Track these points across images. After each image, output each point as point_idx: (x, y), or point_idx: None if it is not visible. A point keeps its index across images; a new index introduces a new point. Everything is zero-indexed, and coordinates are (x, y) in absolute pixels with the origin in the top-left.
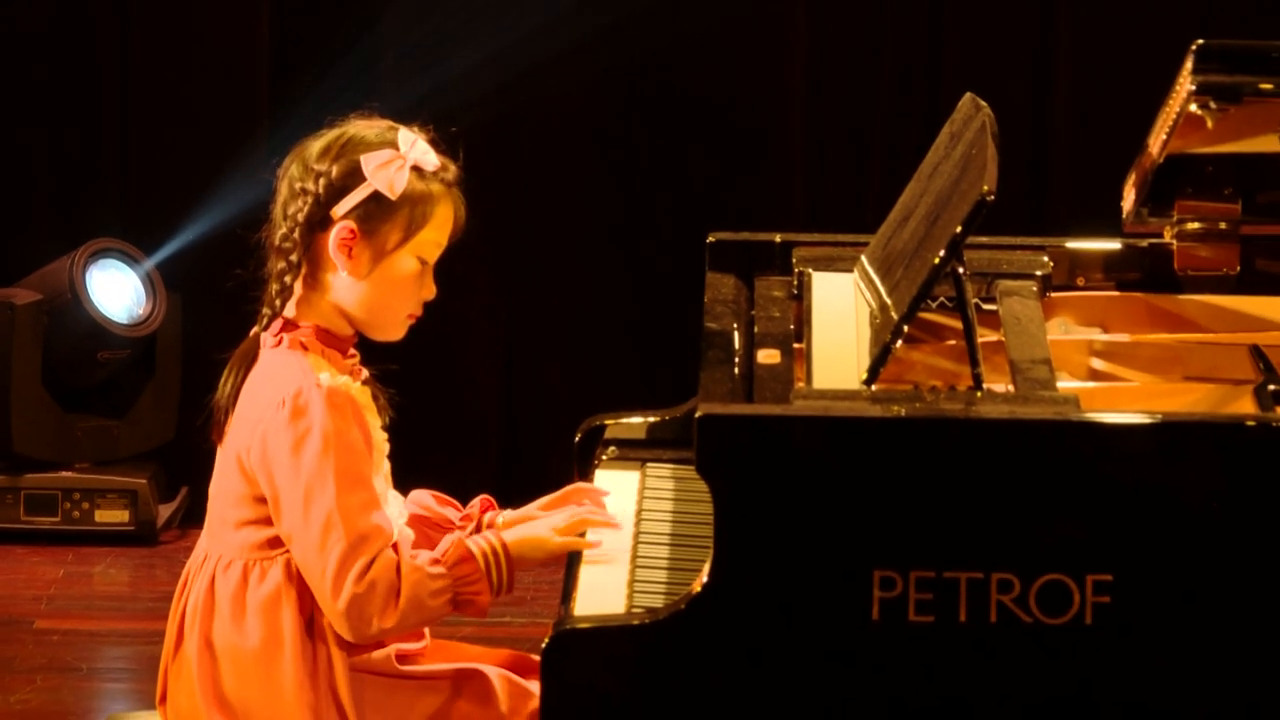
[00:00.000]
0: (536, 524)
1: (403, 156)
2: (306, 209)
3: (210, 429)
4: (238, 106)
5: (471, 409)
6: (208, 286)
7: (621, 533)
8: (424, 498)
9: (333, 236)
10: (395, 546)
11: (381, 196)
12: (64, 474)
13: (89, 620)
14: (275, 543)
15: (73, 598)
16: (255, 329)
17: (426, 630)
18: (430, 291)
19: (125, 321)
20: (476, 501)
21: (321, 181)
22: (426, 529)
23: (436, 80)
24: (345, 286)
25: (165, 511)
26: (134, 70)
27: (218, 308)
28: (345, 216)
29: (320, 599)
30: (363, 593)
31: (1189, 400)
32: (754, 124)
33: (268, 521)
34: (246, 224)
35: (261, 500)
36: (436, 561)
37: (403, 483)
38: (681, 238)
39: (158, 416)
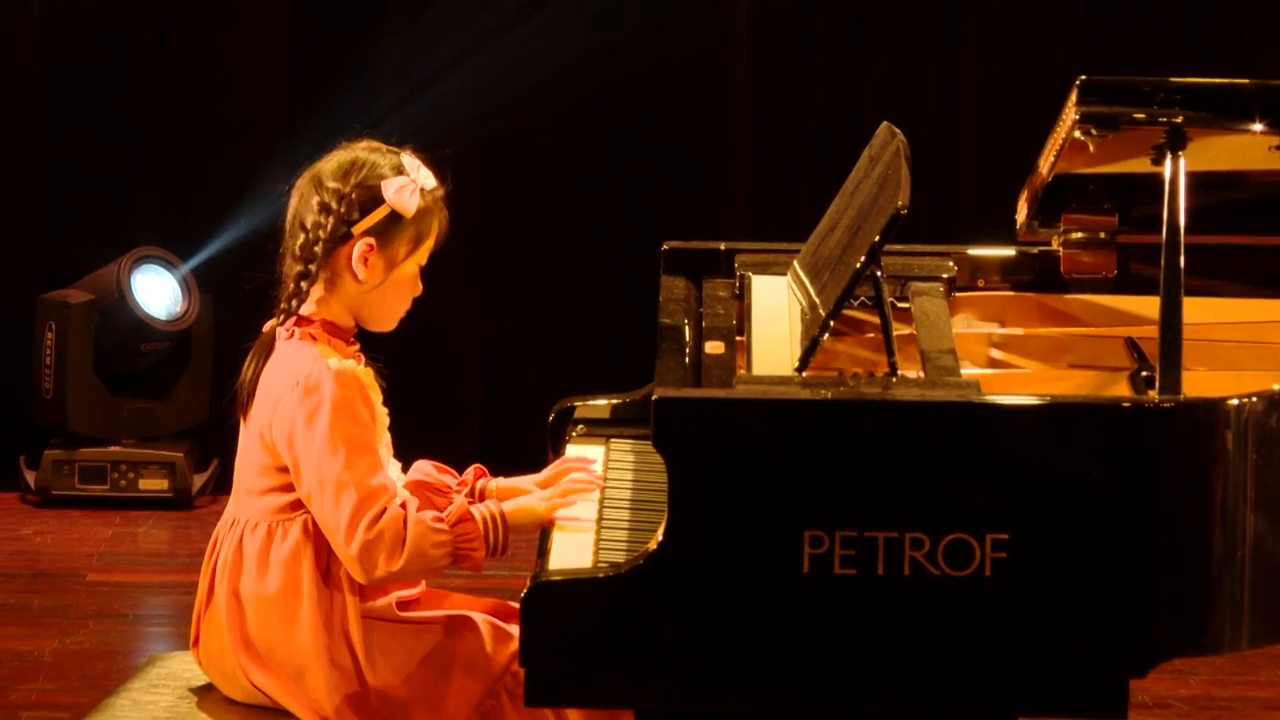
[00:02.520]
0: (530, 496)
1: (414, 181)
2: (330, 225)
3: (235, 409)
4: (261, 133)
5: (458, 392)
6: (235, 288)
7: (589, 499)
8: (425, 466)
9: (355, 251)
10: (404, 504)
11: (397, 215)
12: (112, 448)
13: (134, 574)
14: (294, 506)
15: (120, 554)
16: (271, 323)
17: (422, 581)
18: (419, 289)
19: (164, 318)
20: (471, 470)
21: (344, 203)
22: (428, 493)
23: (431, 107)
24: (359, 291)
25: (199, 480)
26: (172, 101)
27: (244, 306)
28: (365, 233)
29: (335, 547)
30: (372, 539)
31: (1074, 384)
32: (702, 148)
33: (287, 488)
34: (268, 234)
35: (282, 470)
36: (440, 519)
37: (401, 456)
38: (640, 245)
39: (193, 399)
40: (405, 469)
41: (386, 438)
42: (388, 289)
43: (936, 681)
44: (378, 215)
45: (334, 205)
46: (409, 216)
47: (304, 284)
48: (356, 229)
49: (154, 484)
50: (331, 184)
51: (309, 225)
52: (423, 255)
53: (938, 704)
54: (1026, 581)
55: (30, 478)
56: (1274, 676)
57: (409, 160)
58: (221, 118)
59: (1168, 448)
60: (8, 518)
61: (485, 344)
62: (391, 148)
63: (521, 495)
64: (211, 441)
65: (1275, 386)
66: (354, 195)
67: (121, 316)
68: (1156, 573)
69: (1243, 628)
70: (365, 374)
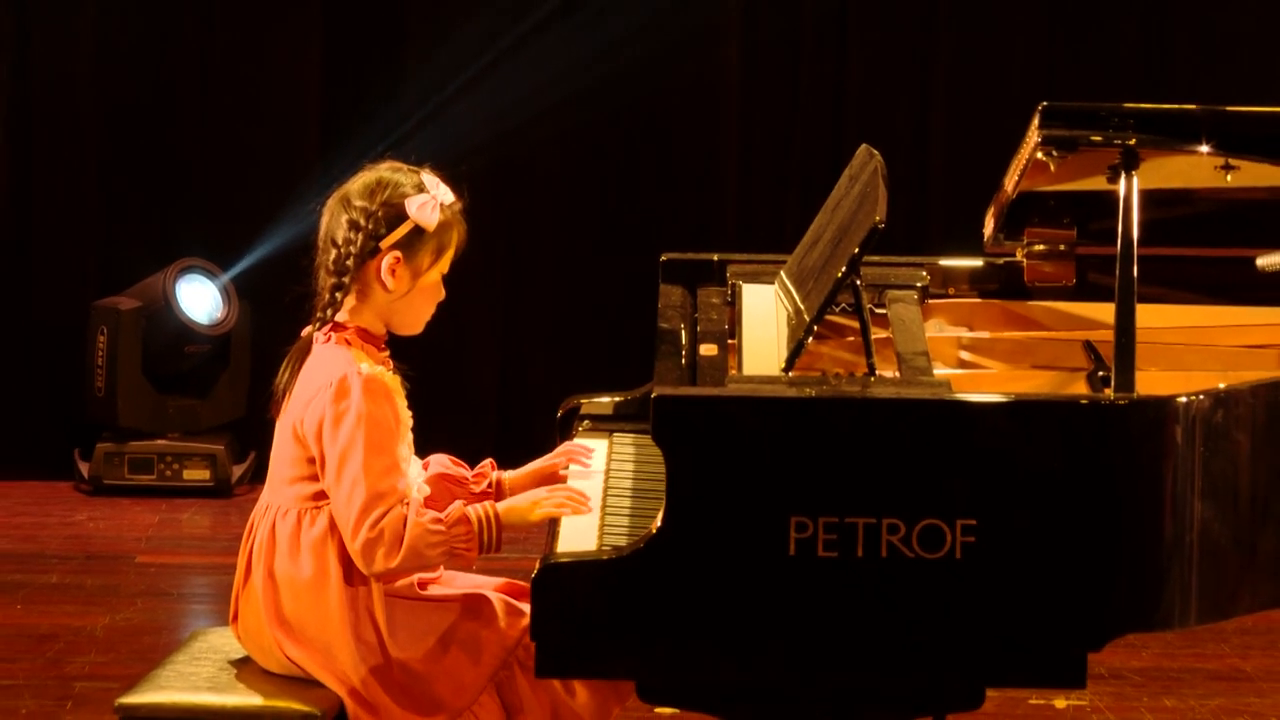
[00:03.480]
0: (522, 498)
1: (434, 197)
2: (359, 241)
3: (270, 406)
4: (294, 155)
5: (474, 391)
6: (272, 296)
7: (593, 488)
8: (444, 459)
9: (384, 264)
10: (408, 504)
11: (420, 229)
12: (159, 442)
13: (178, 556)
14: (322, 495)
15: (166, 538)
16: (308, 329)
17: (440, 567)
18: (443, 295)
19: (206, 323)
20: (485, 464)
21: (372, 220)
22: (446, 484)
23: (450, 130)
24: (389, 300)
25: (238, 470)
26: (212, 127)
27: (279, 313)
28: (392, 246)
29: (344, 538)
30: (374, 537)
31: (1036, 383)
32: (697, 168)
33: (315, 478)
34: (300, 248)
35: (311, 461)
36: (439, 520)
37: (422, 449)
38: (640, 256)
39: (232, 397)
40: (424, 462)
41: (408, 438)
42: (414, 296)
43: (911, 654)
44: (402, 230)
45: (362, 222)
46: (431, 230)
47: (338, 295)
48: (384, 244)
49: (196, 474)
50: (359, 203)
51: (340, 241)
52: (445, 264)
53: (912, 675)
54: (993, 563)
55: (84, 468)
56: (1219, 650)
57: (429, 178)
58: (258, 142)
59: (1122, 441)
60: (63, 505)
61: (499, 346)
62: (412, 167)
63: (527, 486)
64: (249, 435)
65: (1220, 385)
66: (380, 213)
67: (167, 322)
68: (1112, 555)
69: (1190, 606)
70: (393, 380)
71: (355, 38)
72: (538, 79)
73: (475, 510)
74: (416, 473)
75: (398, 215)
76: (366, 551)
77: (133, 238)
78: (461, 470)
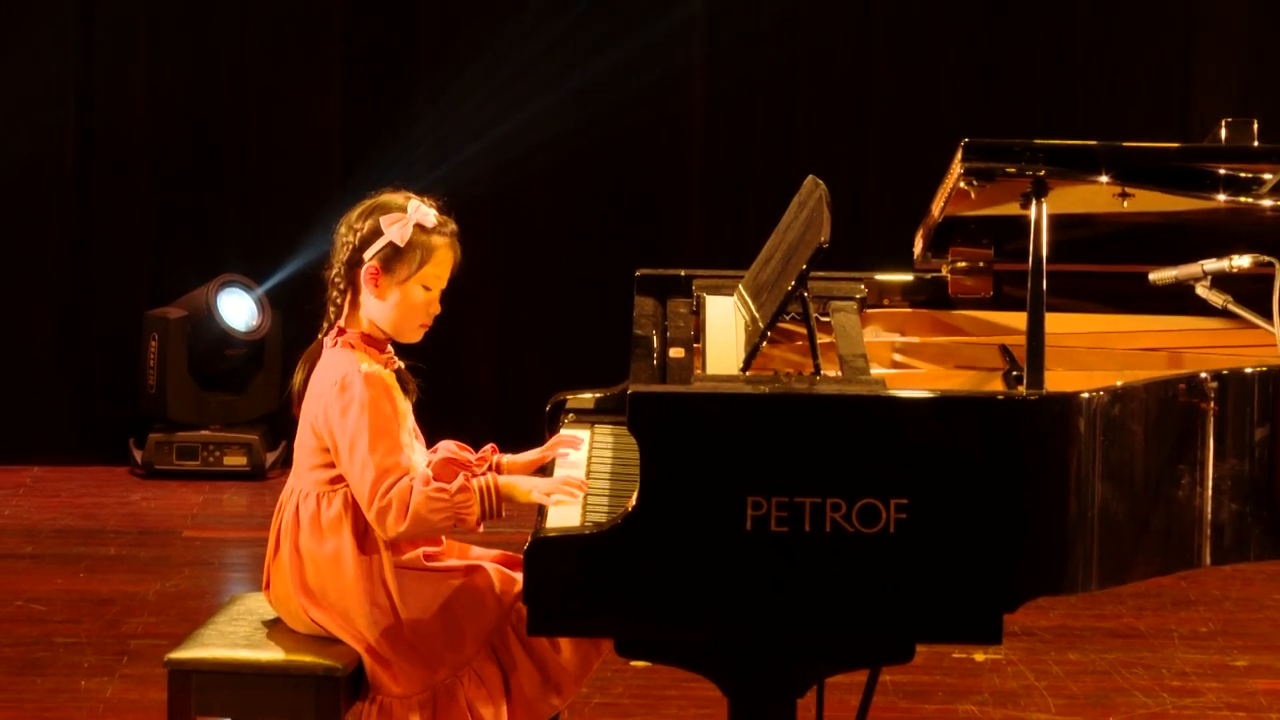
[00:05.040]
0: (523, 479)
1: (409, 217)
2: (348, 253)
3: (292, 406)
4: (318, 185)
5: (475, 387)
6: (300, 306)
7: (577, 472)
8: (449, 444)
9: (364, 272)
10: (414, 478)
11: (396, 244)
12: (202, 432)
13: (220, 531)
14: (338, 480)
15: (208, 516)
16: (320, 336)
17: (444, 538)
18: (436, 309)
19: (243, 330)
20: (487, 448)
21: (358, 234)
22: (452, 466)
23: (455, 161)
24: (374, 306)
25: (271, 457)
26: (250, 159)
27: (306, 321)
28: (372, 258)
29: (362, 508)
30: (385, 505)
31: (959, 382)
32: (668, 195)
33: (330, 465)
34: (324, 265)
35: (326, 450)
36: (443, 489)
37: (428, 440)
38: (618, 271)
39: (266, 393)
40: (432, 448)
41: (408, 425)
42: (397, 305)
43: (851, 616)
44: (378, 244)
45: (350, 238)
46: (402, 245)
47: (339, 302)
48: (365, 255)
49: (235, 460)
50: (355, 224)
51: (339, 257)
52: (428, 279)
53: (852, 633)
54: (922, 536)
55: (138, 455)
56: (1117, 611)
57: (414, 202)
58: (288, 173)
59: (1033, 432)
60: (119, 487)
61: (497, 349)
62: (408, 194)
63: (523, 470)
64: (280, 426)
65: (1118, 383)
66: (365, 228)
67: (210, 329)
68: (1024, 529)
69: (1092, 573)
70: (389, 376)
71: (371, 83)
72: (530, 116)
73: (477, 480)
74: (421, 458)
75: (374, 231)
76: (380, 518)
77: (180, 256)
78: (466, 454)
